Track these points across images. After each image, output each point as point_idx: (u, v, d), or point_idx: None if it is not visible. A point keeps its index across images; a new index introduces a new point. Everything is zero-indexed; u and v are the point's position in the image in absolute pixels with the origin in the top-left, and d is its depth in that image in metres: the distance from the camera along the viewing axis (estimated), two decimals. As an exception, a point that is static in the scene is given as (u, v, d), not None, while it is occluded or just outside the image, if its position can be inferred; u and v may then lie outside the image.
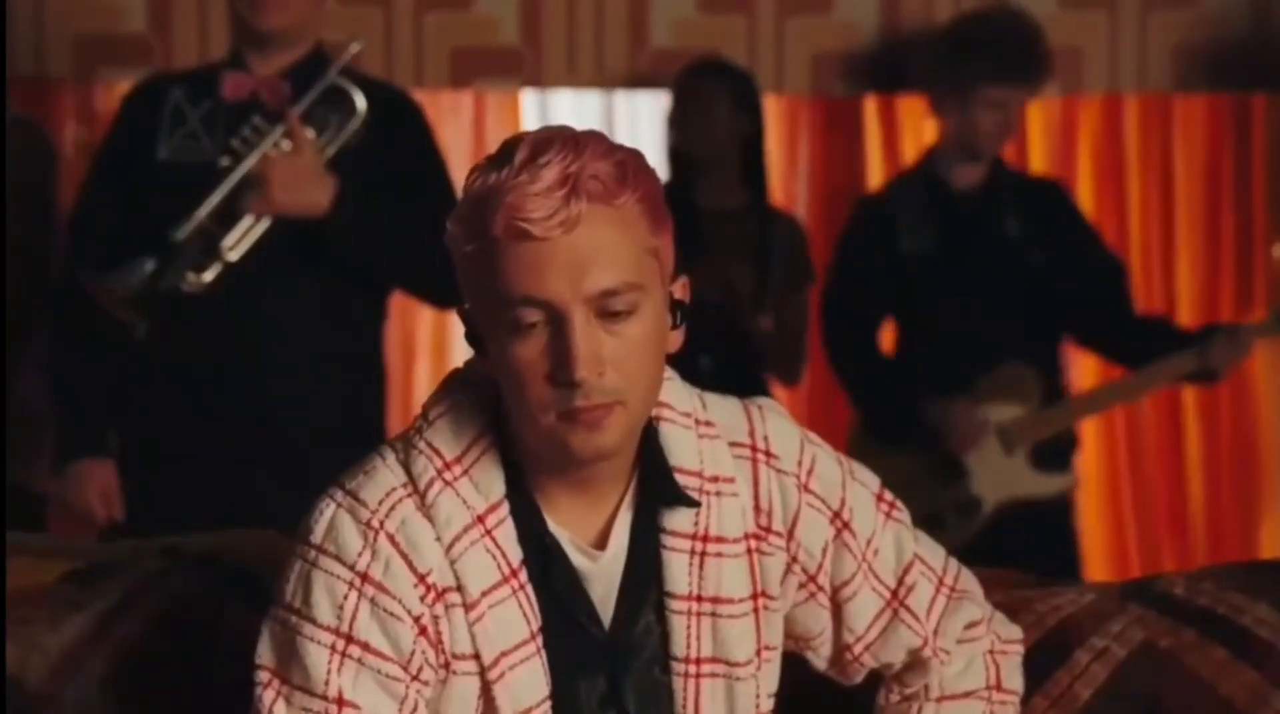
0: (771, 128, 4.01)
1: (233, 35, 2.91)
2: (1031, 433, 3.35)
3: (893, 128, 4.05)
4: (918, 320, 3.42)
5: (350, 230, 2.71)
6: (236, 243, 2.71)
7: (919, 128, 3.99)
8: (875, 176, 4.02)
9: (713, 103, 3.57)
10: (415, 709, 1.44)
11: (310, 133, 2.72)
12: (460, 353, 4.04)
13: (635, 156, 1.45)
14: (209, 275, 2.70)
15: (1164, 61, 3.92)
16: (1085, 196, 3.89)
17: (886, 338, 3.52)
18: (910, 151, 3.99)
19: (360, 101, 2.77)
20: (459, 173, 4.34)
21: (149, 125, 2.81)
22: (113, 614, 1.76)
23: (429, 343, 4.13)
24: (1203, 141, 4.03)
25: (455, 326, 4.12)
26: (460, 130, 4.06)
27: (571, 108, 4.07)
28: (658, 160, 3.64)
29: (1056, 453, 3.41)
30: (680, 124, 3.58)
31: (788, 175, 4.09)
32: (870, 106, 4.03)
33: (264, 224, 2.72)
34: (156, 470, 2.83)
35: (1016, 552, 3.05)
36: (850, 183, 4.04)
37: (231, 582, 1.77)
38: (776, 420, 1.57)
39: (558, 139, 1.41)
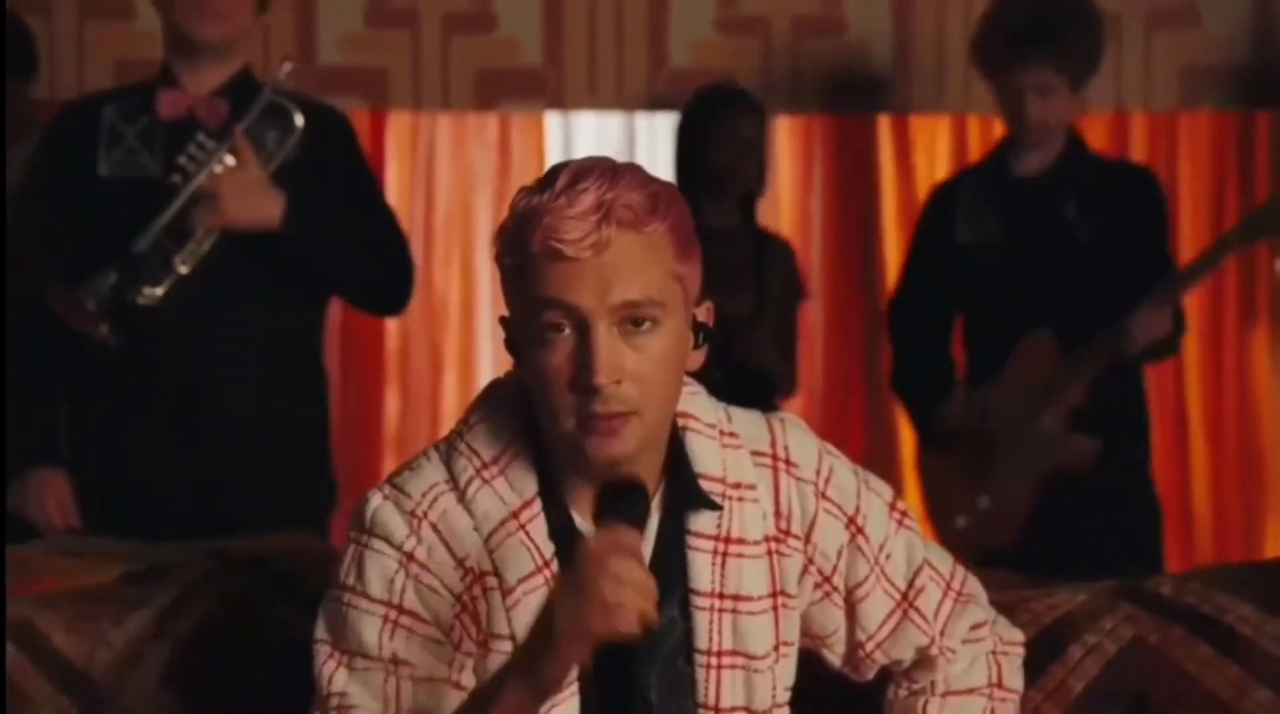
0: (786, 147, 4.10)
1: (165, 50, 2.93)
2: (1052, 403, 3.25)
3: (905, 147, 4.10)
4: (979, 311, 3.33)
5: (300, 241, 2.76)
6: (188, 256, 2.75)
7: (932, 147, 4.07)
8: (888, 195, 4.08)
9: (726, 127, 3.63)
10: (461, 672, 1.55)
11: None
12: (485, 364, 4.17)
13: (668, 189, 1.55)
14: (161, 289, 2.74)
15: (1169, 80, 3.96)
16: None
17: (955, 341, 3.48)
18: (923, 170, 4.05)
19: (298, 118, 2.80)
20: (480, 192, 4.37)
21: (85, 143, 2.83)
22: (170, 611, 1.87)
23: (456, 355, 4.20)
24: (1207, 158, 4.07)
25: (480, 340, 4.20)
26: (485, 151, 4.14)
27: (593, 129, 4.14)
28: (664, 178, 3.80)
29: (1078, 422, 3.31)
30: (692, 144, 3.64)
31: (802, 193, 4.16)
32: (883, 126, 4.09)
33: (212, 238, 2.76)
34: (109, 478, 2.86)
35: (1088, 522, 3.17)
36: (863, 201, 4.10)
37: (275, 581, 1.89)
38: (796, 432, 1.67)
39: (597, 168, 1.52)
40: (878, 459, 3.91)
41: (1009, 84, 3.21)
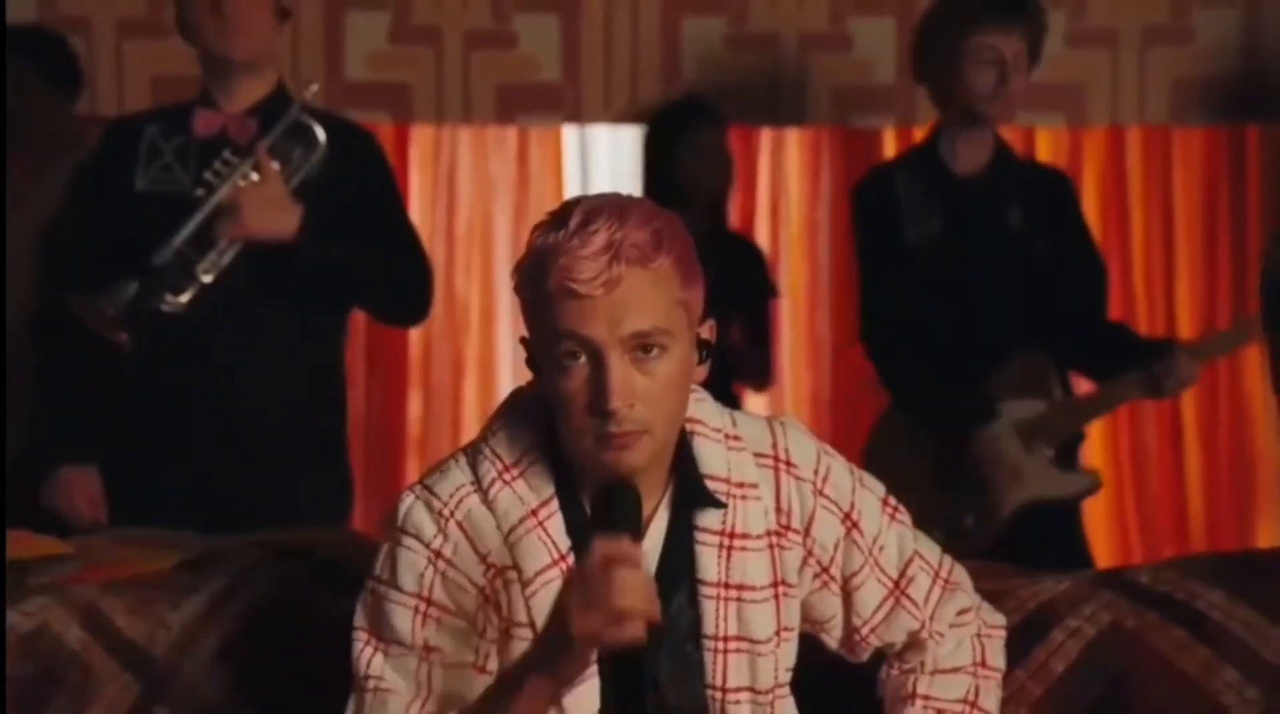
0: (794, 158, 4.16)
1: (202, 73, 2.99)
2: (1052, 430, 3.24)
3: None
4: (925, 309, 3.27)
5: (314, 253, 2.81)
6: (211, 266, 2.80)
7: None
8: None
9: (688, 138, 3.72)
10: (486, 659, 1.66)
11: (275, 164, 2.81)
12: (505, 369, 4.24)
13: (671, 223, 1.66)
14: (185, 297, 2.79)
15: (1162, 95, 3.99)
16: (1091, 223, 3.84)
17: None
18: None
19: (321, 135, 2.86)
20: (500, 203, 4.36)
21: (126, 160, 2.90)
22: (223, 596, 1.97)
23: (476, 360, 4.25)
24: (1200, 170, 4.10)
25: (500, 345, 4.25)
26: (505, 163, 4.20)
27: (608, 141, 4.18)
28: (636, 188, 3.78)
29: (1071, 452, 3.30)
30: (657, 156, 3.73)
31: (810, 204, 4.21)
32: (888, 137, 4.13)
33: (234, 249, 2.81)
34: (137, 475, 2.90)
35: (1028, 550, 2.87)
36: None
37: (317, 570, 1.99)
38: (796, 435, 1.76)
39: (607, 208, 1.62)
40: (890, 448, 3.73)
41: (957, 55, 3.13)
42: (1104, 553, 4.01)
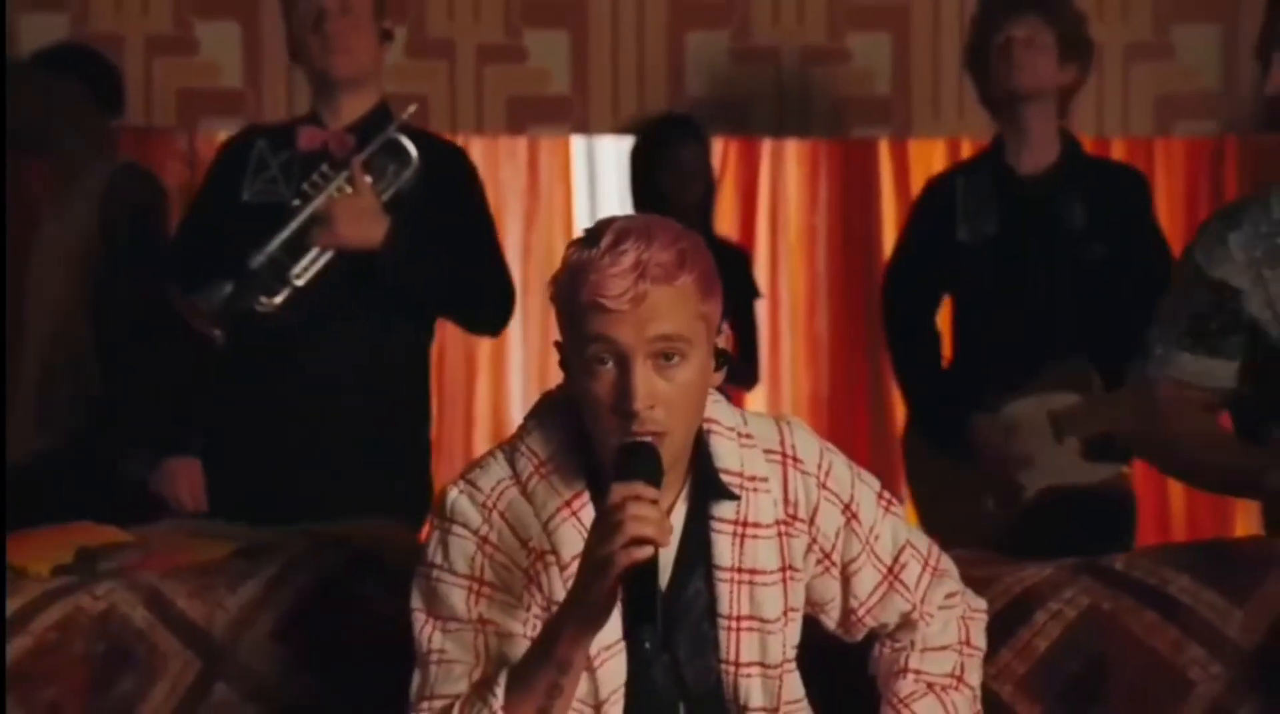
0: (794, 168, 4.25)
1: (310, 91, 3.13)
2: (1082, 425, 3.20)
3: (904, 168, 4.22)
4: (973, 305, 3.27)
5: (400, 263, 2.91)
6: (303, 271, 2.91)
7: (928, 168, 4.13)
8: (888, 212, 4.20)
9: (670, 152, 3.82)
10: (534, 630, 1.78)
11: (369, 179, 2.91)
12: (515, 368, 4.33)
13: (694, 243, 1.77)
14: (278, 298, 2.91)
15: (1146, 108, 4.10)
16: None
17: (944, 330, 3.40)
18: (920, 190, 4.04)
19: (414, 152, 2.97)
20: (511, 210, 4.44)
21: (237, 171, 3.02)
22: (275, 581, 2.07)
23: (488, 360, 4.34)
24: (1182, 179, 4.20)
25: (511, 347, 4.34)
26: (516, 171, 4.28)
27: (615, 150, 4.23)
28: (626, 198, 3.94)
29: (1107, 443, 3.22)
30: (641, 167, 3.82)
31: (809, 211, 4.29)
32: (884, 149, 4.23)
33: (327, 256, 2.92)
34: (234, 467, 3.03)
35: (1066, 537, 2.86)
36: (865, 218, 4.23)
37: (360, 558, 2.09)
38: (801, 433, 1.89)
39: (636, 230, 1.74)
40: (881, 461, 4.00)
41: (1001, 42, 3.15)
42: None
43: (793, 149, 4.26)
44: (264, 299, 2.92)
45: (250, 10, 4.06)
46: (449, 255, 2.97)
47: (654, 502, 1.66)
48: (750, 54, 4.13)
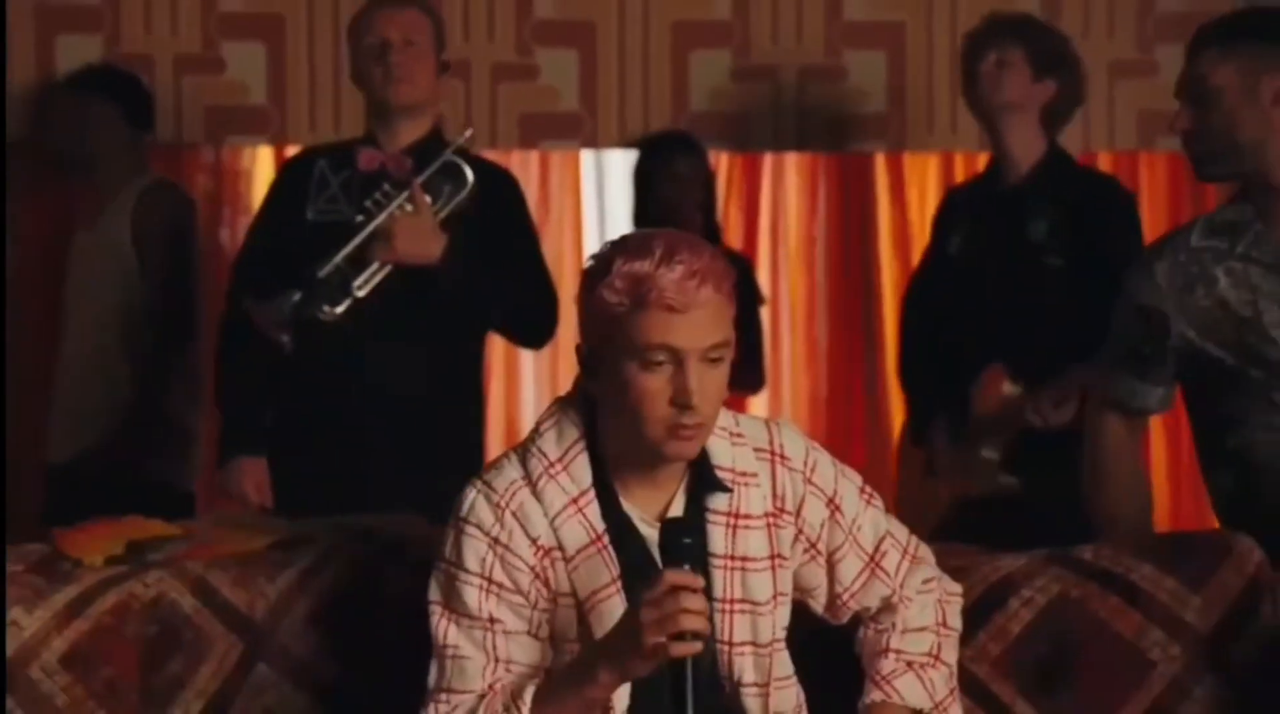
0: (793, 181, 4.28)
1: (366, 115, 3.25)
2: (1001, 431, 3.29)
3: (899, 181, 4.25)
4: (956, 316, 3.36)
5: (457, 278, 3.03)
6: (364, 283, 3.04)
7: (922, 181, 4.24)
8: (884, 223, 4.23)
9: (668, 168, 3.89)
10: (539, 626, 1.90)
11: (428, 198, 3.04)
12: (527, 373, 4.36)
13: (723, 256, 1.90)
14: (341, 308, 3.04)
15: (1130, 124, 4.15)
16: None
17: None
18: (914, 201, 4.21)
19: (469, 175, 3.10)
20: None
21: (300, 190, 3.15)
22: (311, 570, 2.18)
23: (501, 366, 4.36)
24: (1165, 192, 4.22)
25: (523, 353, 4.30)
26: (528, 184, 4.14)
27: (622, 164, 4.25)
28: (629, 215, 4.01)
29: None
30: (653, 181, 3.89)
31: (808, 221, 4.32)
32: (879, 162, 4.26)
33: (386, 270, 3.04)
34: (299, 467, 3.15)
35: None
36: (861, 229, 4.26)
37: (388, 550, 2.19)
38: (789, 433, 2.01)
39: (681, 242, 1.86)
40: (877, 460, 4.06)
41: (981, 66, 3.29)
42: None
43: (792, 163, 4.30)
44: (327, 308, 3.04)
45: (275, 31, 4.11)
46: (500, 271, 3.08)
47: (700, 593, 1.76)
48: (751, 72, 4.16)
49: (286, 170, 3.29)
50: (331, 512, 2.51)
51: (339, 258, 3.05)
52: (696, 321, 1.84)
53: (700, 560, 1.82)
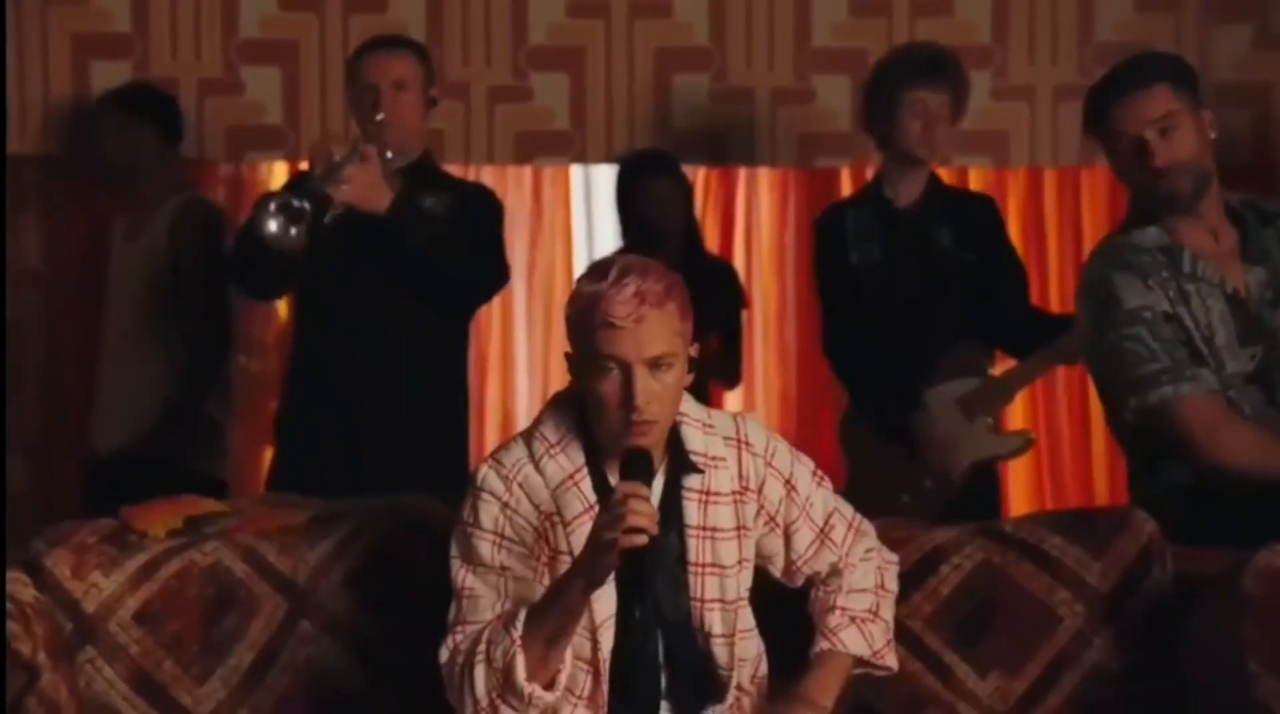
0: (766, 194, 4.42)
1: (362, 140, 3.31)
2: (989, 402, 3.54)
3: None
4: (871, 320, 3.55)
5: (404, 223, 3.08)
6: (323, 215, 3.04)
7: None
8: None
9: (648, 185, 3.96)
10: (541, 575, 2.15)
11: (376, 154, 3.07)
12: (521, 371, 4.50)
13: (676, 279, 2.12)
14: (295, 231, 3.00)
15: (1073, 142, 4.23)
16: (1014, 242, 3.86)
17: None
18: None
19: (451, 181, 3.32)
20: (517, 232, 4.55)
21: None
22: (345, 541, 2.40)
23: (498, 363, 4.51)
24: (1106, 205, 4.36)
25: (517, 351, 4.50)
26: (521, 197, 4.46)
27: (609, 179, 4.29)
28: (615, 229, 4.11)
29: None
30: (633, 196, 3.99)
31: (779, 231, 4.46)
32: (845, 176, 4.38)
33: (339, 211, 3.06)
34: (302, 448, 3.29)
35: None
36: None
37: (411, 524, 2.41)
38: (753, 424, 2.28)
39: (634, 266, 2.09)
40: (841, 451, 4.00)
41: (895, 107, 3.49)
42: (1024, 507, 4.27)
43: (765, 177, 4.43)
44: (287, 225, 3.02)
45: (290, 56, 4.23)
46: (443, 232, 3.16)
47: (647, 500, 2.00)
48: (727, 94, 4.26)
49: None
50: (330, 489, 2.68)
51: (314, 179, 3.09)
52: (639, 336, 2.04)
53: (648, 479, 2.04)
